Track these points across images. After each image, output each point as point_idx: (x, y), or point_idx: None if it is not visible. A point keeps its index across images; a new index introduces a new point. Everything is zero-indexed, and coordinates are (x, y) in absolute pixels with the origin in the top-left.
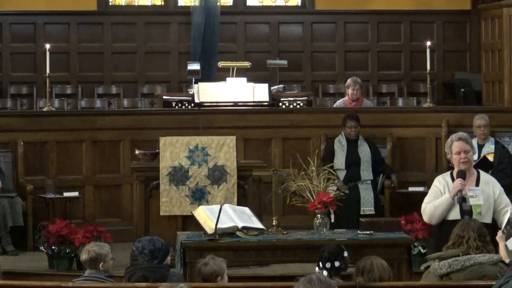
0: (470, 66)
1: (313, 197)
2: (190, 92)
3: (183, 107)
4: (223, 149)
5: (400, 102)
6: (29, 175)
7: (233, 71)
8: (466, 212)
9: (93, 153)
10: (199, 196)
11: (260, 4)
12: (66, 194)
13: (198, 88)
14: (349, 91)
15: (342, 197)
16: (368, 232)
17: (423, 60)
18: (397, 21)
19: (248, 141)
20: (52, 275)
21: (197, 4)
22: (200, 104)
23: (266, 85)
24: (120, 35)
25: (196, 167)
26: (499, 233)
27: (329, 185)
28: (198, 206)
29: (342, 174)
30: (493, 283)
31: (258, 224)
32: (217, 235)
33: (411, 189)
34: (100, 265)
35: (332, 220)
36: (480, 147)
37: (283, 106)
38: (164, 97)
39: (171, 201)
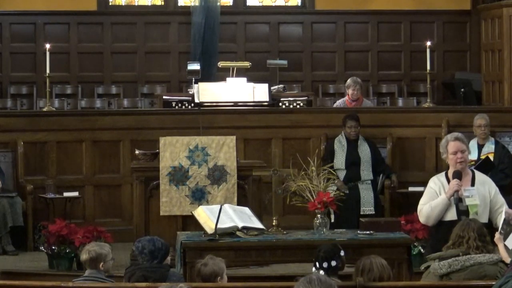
0: (470, 66)
1: (313, 197)
2: (190, 92)
3: (183, 107)
4: (223, 149)
5: (400, 102)
6: (29, 175)
7: (233, 71)
8: (463, 212)
9: (93, 153)
10: (199, 196)
11: (260, 4)
12: (66, 194)
13: (198, 88)
14: (349, 91)
15: (342, 197)
16: (368, 232)
17: (423, 60)
18: (397, 21)
19: (248, 141)
20: (52, 275)
21: (197, 4)
22: (200, 104)
23: (266, 85)
24: (120, 35)
25: (196, 167)
26: (497, 235)
27: (329, 185)
28: (198, 206)
29: (342, 174)
30: (493, 283)
31: (258, 224)
32: (217, 235)
33: (411, 189)
34: (100, 265)
35: (332, 220)
36: (480, 147)
37: (283, 106)
38: (164, 97)
39: (171, 201)
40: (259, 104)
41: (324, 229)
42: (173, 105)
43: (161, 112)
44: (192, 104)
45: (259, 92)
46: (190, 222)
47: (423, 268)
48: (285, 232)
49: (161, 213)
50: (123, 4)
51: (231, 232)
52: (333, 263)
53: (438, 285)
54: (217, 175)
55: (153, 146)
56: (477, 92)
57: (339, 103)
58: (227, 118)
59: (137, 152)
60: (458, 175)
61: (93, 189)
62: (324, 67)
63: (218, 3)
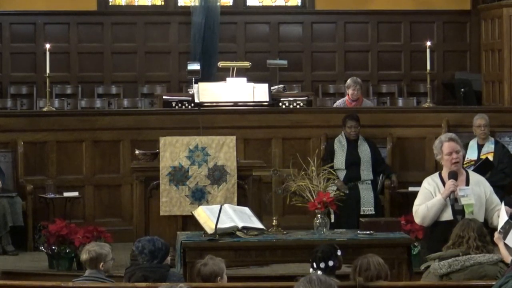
0: (470, 66)
1: (313, 197)
2: (190, 92)
3: (183, 107)
4: (223, 149)
5: (400, 102)
6: (29, 175)
7: (233, 71)
8: (458, 212)
9: (93, 153)
10: (199, 196)
11: (260, 4)
12: (66, 194)
13: (198, 88)
14: (350, 91)
15: (342, 197)
16: (368, 232)
17: (423, 60)
18: (397, 21)
19: (248, 141)
20: (52, 275)
21: (197, 4)
22: (200, 104)
23: (266, 85)
24: (120, 35)
25: (196, 167)
26: (496, 234)
27: (329, 185)
28: (198, 206)
29: (342, 174)
30: (493, 283)
31: (258, 224)
32: (217, 235)
33: (411, 189)
34: (100, 265)
35: (332, 220)
36: (480, 147)
37: (283, 106)
38: (164, 97)
39: (171, 201)
40: (259, 104)
41: (324, 229)
42: (173, 105)
43: (161, 112)
44: (192, 104)
45: (259, 92)
46: (190, 222)
47: (423, 268)
48: (285, 232)
49: (161, 213)
50: (123, 4)
51: (231, 232)
52: (330, 263)
53: (438, 285)
54: (217, 175)
55: (153, 146)
56: (477, 92)
57: (339, 103)
58: (227, 118)
59: (137, 152)
60: (454, 175)
61: (93, 189)
62: (324, 67)
63: (218, 3)
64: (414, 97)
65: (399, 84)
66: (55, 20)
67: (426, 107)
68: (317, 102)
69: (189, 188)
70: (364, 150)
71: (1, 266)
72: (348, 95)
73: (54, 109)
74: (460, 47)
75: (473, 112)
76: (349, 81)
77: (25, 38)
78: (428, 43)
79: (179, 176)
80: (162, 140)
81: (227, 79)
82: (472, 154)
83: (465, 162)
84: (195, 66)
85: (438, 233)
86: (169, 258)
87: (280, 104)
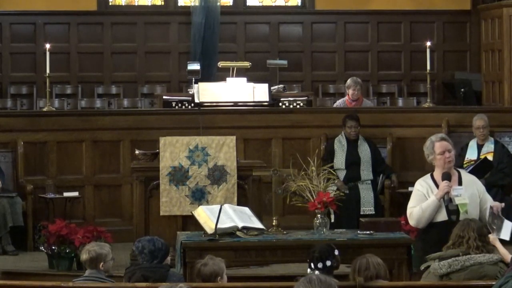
0: (470, 66)
1: (313, 197)
2: (190, 92)
3: (183, 107)
4: (223, 149)
5: (400, 102)
6: (29, 175)
7: (233, 71)
8: (453, 212)
9: (93, 153)
10: (199, 196)
11: (260, 4)
12: (66, 194)
13: (198, 88)
14: (350, 91)
15: (342, 197)
16: (368, 232)
17: (423, 60)
18: (397, 21)
19: (248, 141)
20: (52, 275)
21: (197, 4)
22: (200, 104)
23: (266, 85)
24: (120, 35)
25: (196, 167)
26: (491, 236)
27: (329, 185)
28: (198, 206)
29: (342, 174)
30: (493, 283)
31: (258, 224)
32: (217, 235)
33: (411, 189)
34: (100, 265)
35: (332, 220)
36: (480, 147)
37: (283, 106)
38: (164, 97)
39: (171, 201)
40: (259, 104)
41: (324, 229)
42: (173, 105)
43: (161, 112)
44: (192, 104)
45: (259, 92)
46: (190, 222)
47: (423, 268)
48: (285, 232)
49: (161, 213)
50: (123, 4)
51: (231, 232)
52: (328, 263)
53: (438, 285)
54: (217, 175)
55: (153, 146)
56: (477, 92)
57: (339, 103)
58: (227, 118)
59: (137, 152)
60: (447, 176)
61: (93, 189)
62: (324, 67)
63: (218, 3)
64: (414, 97)
65: (399, 84)
66: (55, 20)
67: (426, 107)
68: (317, 102)
69: (189, 188)
70: (364, 150)
71: (1, 266)
72: (348, 95)
73: (54, 109)
74: (460, 47)
75: (473, 112)
76: (349, 81)
77: (25, 38)
78: (428, 43)
79: (179, 176)
80: (162, 140)
81: (227, 79)
82: (472, 154)
83: (465, 162)
84: (195, 66)
85: (433, 234)
86: (169, 258)
87: (280, 104)
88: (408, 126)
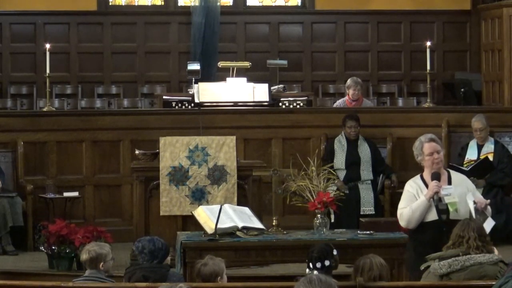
0: (470, 66)
1: (313, 197)
2: (190, 92)
3: (183, 107)
4: (223, 149)
5: (400, 102)
6: (29, 175)
7: (233, 71)
8: (443, 211)
9: (93, 153)
10: (199, 196)
11: (260, 4)
12: (66, 194)
13: (198, 88)
14: (350, 91)
15: (342, 197)
16: (368, 232)
17: (423, 60)
18: (397, 21)
19: (248, 141)
20: (52, 275)
21: (197, 4)
22: (200, 104)
23: (266, 85)
24: (120, 35)
25: (196, 167)
26: None
27: (329, 185)
28: (198, 206)
29: (342, 174)
30: (493, 283)
31: (258, 224)
32: (217, 235)
33: None
34: (100, 265)
35: (332, 220)
36: (480, 147)
37: (283, 106)
38: (164, 97)
39: (171, 201)
40: (259, 104)
41: (324, 229)
42: (173, 105)
43: (161, 112)
44: (192, 104)
45: (259, 92)
46: (190, 222)
47: (423, 268)
48: (285, 232)
49: (161, 213)
50: (123, 4)
51: (231, 232)
52: (327, 262)
53: (438, 285)
54: (217, 175)
55: (153, 146)
56: (477, 92)
57: (339, 103)
58: (227, 118)
59: (137, 152)
60: (436, 176)
61: (93, 189)
62: (324, 67)
63: (218, 3)
64: (414, 97)
65: (399, 84)
66: (55, 20)
67: (426, 107)
68: (317, 102)
69: (189, 188)
70: (364, 150)
71: (1, 266)
72: (349, 95)
73: (54, 109)
74: (460, 47)
75: (473, 112)
76: (349, 81)
77: (25, 38)
78: (428, 43)
79: (179, 176)
80: (162, 140)
81: (227, 79)
82: (472, 154)
83: (465, 162)
84: (195, 66)
85: (424, 234)
86: (169, 258)
87: (280, 104)
88: (408, 126)
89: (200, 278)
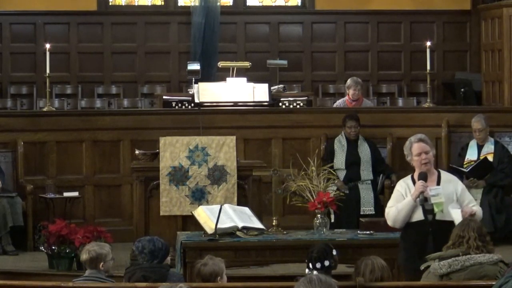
0: (470, 66)
1: (313, 197)
2: (190, 92)
3: (183, 107)
4: (223, 149)
5: (400, 102)
6: (29, 175)
7: (233, 71)
8: (429, 211)
9: (93, 153)
10: (199, 196)
11: (260, 4)
12: (66, 194)
13: (198, 88)
14: (350, 91)
15: (342, 197)
16: (368, 232)
17: (423, 60)
18: (397, 21)
19: (248, 141)
20: (52, 275)
21: (197, 4)
22: (200, 104)
23: (266, 85)
24: (120, 35)
25: (196, 167)
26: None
27: (329, 185)
28: (198, 206)
29: (342, 174)
30: (493, 283)
31: (258, 224)
32: (217, 235)
33: None
34: (100, 265)
35: (332, 220)
36: (480, 147)
37: (283, 106)
38: (164, 97)
39: (171, 201)
40: (259, 104)
41: (324, 229)
42: (173, 105)
43: (161, 112)
44: (192, 104)
45: (259, 92)
46: (190, 222)
47: (423, 268)
48: (285, 232)
49: (161, 213)
50: (123, 4)
51: (231, 232)
52: (326, 262)
53: (438, 285)
54: (217, 175)
55: (153, 146)
56: (477, 92)
57: (339, 103)
58: (227, 118)
59: (137, 152)
60: (423, 176)
61: (93, 189)
62: (324, 67)
63: (218, 3)
64: (414, 97)
65: (399, 84)
66: (55, 20)
67: (426, 107)
68: (317, 102)
69: (189, 188)
70: (364, 150)
71: (1, 266)
72: (349, 95)
73: (54, 109)
74: (460, 47)
75: (473, 112)
76: (349, 81)
77: (25, 38)
78: (428, 43)
79: (179, 176)
80: (162, 140)
81: (227, 79)
82: (472, 154)
83: (465, 163)
84: (195, 66)
85: (411, 233)
86: (169, 258)
87: (280, 104)
88: (408, 126)
89: (200, 278)
